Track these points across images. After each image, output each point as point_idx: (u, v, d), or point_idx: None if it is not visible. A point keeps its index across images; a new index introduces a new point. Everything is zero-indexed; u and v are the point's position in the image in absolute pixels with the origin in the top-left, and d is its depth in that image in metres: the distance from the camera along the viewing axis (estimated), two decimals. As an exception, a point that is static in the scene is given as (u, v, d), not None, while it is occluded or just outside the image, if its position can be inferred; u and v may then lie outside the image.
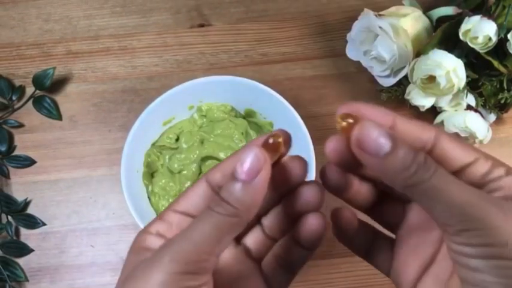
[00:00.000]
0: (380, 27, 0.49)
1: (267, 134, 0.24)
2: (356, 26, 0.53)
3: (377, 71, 0.52)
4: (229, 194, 0.22)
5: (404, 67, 0.51)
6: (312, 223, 0.26)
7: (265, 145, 0.23)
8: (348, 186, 0.26)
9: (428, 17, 0.52)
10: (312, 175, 0.44)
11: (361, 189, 0.27)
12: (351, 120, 0.22)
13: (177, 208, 0.25)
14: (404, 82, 0.52)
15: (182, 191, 0.28)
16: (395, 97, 0.52)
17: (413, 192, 0.22)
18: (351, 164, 0.24)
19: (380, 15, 0.50)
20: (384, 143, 0.21)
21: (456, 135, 0.50)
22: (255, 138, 0.25)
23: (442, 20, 0.51)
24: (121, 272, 0.23)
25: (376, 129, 0.21)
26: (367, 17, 0.50)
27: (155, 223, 0.25)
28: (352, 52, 0.55)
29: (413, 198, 0.24)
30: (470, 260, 0.21)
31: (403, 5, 0.53)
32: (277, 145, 0.24)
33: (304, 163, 0.26)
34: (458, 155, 0.23)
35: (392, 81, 0.52)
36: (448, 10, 0.51)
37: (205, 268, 0.22)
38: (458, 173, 0.23)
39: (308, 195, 0.26)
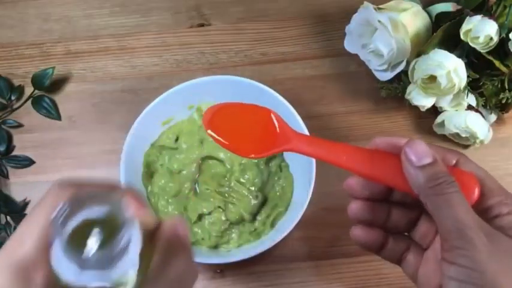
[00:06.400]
0: (379, 21, 0.49)
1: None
2: (355, 18, 0.52)
3: (374, 65, 0.52)
4: None
5: (401, 62, 0.50)
6: None
7: None
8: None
9: (428, 13, 0.52)
10: (312, 175, 0.44)
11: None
12: None
13: None
14: (404, 80, 0.51)
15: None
16: (394, 95, 0.52)
17: (432, 201, 0.27)
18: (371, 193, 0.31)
19: (379, 8, 0.50)
20: (427, 155, 0.27)
21: (457, 136, 0.50)
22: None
23: (441, 16, 0.51)
24: None
25: (423, 145, 0.28)
26: (367, 10, 0.50)
27: None
28: (350, 45, 0.54)
29: (429, 208, 0.28)
30: (450, 282, 0.25)
31: (402, -1, 0.53)
32: None
33: None
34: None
35: (389, 75, 0.52)
36: (447, 6, 0.51)
37: None
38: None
39: None
